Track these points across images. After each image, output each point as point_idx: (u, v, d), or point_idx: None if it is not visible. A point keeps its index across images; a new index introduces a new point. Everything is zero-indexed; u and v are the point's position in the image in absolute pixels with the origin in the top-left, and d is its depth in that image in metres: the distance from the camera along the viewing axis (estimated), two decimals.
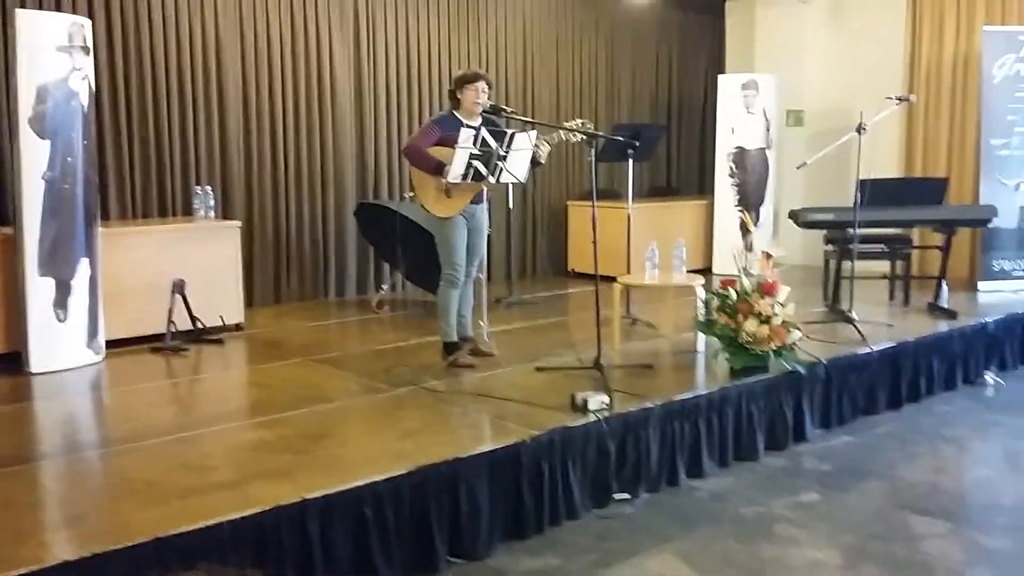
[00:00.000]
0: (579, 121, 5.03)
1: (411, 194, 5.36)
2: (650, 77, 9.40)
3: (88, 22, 5.17)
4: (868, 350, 5.20)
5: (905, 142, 8.42)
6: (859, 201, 5.80)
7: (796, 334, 4.68)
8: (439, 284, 4.92)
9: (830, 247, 6.72)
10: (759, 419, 4.52)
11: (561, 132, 5.03)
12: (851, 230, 5.90)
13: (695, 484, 4.15)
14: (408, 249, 6.44)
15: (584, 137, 4.99)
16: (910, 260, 6.86)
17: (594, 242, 4.64)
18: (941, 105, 8.16)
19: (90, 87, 5.15)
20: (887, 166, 8.08)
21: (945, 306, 6.31)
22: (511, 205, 7.51)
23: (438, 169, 4.67)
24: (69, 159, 4.97)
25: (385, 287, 7.29)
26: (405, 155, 4.92)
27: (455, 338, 4.94)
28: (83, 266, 5.08)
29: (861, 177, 5.77)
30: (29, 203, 4.86)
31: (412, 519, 3.26)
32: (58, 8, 5.73)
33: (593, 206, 4.62)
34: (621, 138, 6.18)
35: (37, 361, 4.94)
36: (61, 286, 5.00)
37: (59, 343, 5.00)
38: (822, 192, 8.47)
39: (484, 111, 4.81)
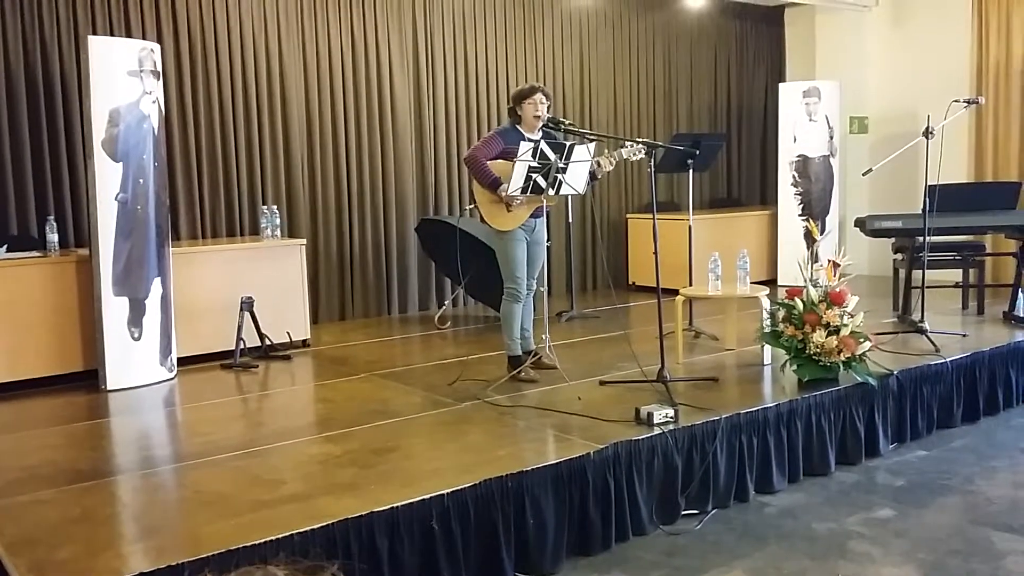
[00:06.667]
0: (634, 144, 5.03)
1: (471, 206, 5.41)
2: (708, 87, 9.33)
3: (157, 47, 5.32)
4: (942, 361, 5.06)
5: (974, 146, 8.21)
6: (928, 207, 5.65)
7: (866, 345, 4.57)
8: (501, 299, 4.94)
9: (899, 256, 6.56)
10: (830, 433, 4.42)
11: (623, 151, 5.02)
12: (921, 238, 5.76)
13: (765, 500, 4.07)
14: (469, 264, 6.46)
15: (645, 155, 4.98)
16: (983, 268, 6.67)
17: (655, 254, 4.61)
18: (1011, 107, 7.95)
19: (160, 110, 5.30)
20: (956, 171, 7.87)
21: (1021, 315, 6.10)
22: (571, 219, 7.51)
23: (494, 184, 4.70)
24: (141, 181, 5.11)
25: (447, 303, 7.34)
26: (466, 163, 4.96)
27: (519, 352, 4.94)
28: (156, 285, 5.22)
29: (930, 183, 5.62)
30: (103, 224, 5.01)
31: (479, 533, 3.26)
32: (129, 34, 5.92)
33: (653, 218, 4.60)
34: (681, 147, 6.13)
35: (113, 378, 5.08)
36: (135, 305, 5.14)
37: (134, 361, 5.14)
38: (888, 199, 8.29)
39: (544, 124, 4.82)
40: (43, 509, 3.23)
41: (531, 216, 4.85)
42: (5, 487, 3.47)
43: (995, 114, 8.02)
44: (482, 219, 4.92)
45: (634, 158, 5.08)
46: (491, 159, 4.78)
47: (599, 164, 4.92)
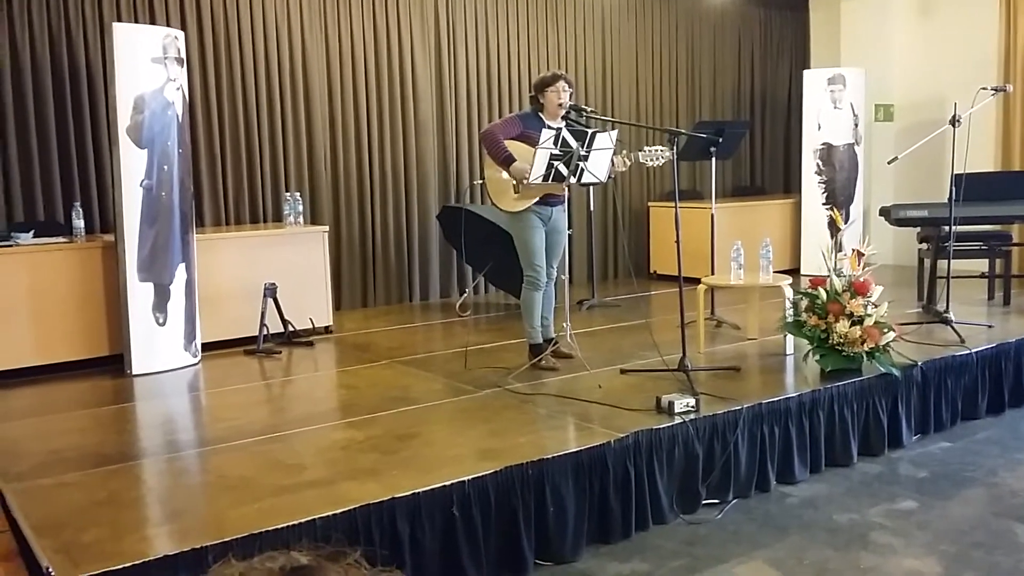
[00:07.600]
0: (658, 148, 5.01)
1: (480, 181, 5.40)
2: (732, 74, 9.25)
3: (181, 34, 5.35)
4: (967, 352, 5.01)
5: (1002, 134, 8.09)
6: (954, 197, 5.59)
7: (890, 335, 4.53)
8: (521, 287, 4.93)
9: (924, 245, 6.49)
10: (852, 423, 4.39)
11: (639, 155, 5.01)
12: (946, 227, 5.69)
13: (786, 490, 4.05)
14: (490, 251, 6.46)
15: (663, 162, 4.97)
16: (1010, 258, 6.59)
17: (677, 243, 4.59)
18: None
19: (184, 97, 5.32)
20: (983, 160, 7.76)
21: None
22: (592, 207, 7.48)
23: (506, 161, 4.69)
24: (165, 167, 5.15)
25: (468, 290, 7.34)
26: (482, 139, 4.95)
27: (540, 340, 4.94)
28: (180, 271, 5.26)
29: (956, 171, 5.55)
30: (128, 210, 5.05)
31: (499, 520, 3.27)
32: (153, 21, 5.95)
33: (676, 206, 4.58)
34: (704, 135, 6.09)
35: (138, 363, 5.13)
36: (160, 291, 5.18)
37: (158, 346, 5.18)
38: (914, 188, 8.20)
39: (566, 113, 4.80)
40: (69, 492, 3.27)
41: (548, 204, 4.83)
42: (32, 470, 3.52)
43: (1023, 102, 7.90)
44: (490, 200, 4.93)
45: (650, 164, 5.06)
46: (507, 140, 4.76)
47: (612, 163, 4.89)
